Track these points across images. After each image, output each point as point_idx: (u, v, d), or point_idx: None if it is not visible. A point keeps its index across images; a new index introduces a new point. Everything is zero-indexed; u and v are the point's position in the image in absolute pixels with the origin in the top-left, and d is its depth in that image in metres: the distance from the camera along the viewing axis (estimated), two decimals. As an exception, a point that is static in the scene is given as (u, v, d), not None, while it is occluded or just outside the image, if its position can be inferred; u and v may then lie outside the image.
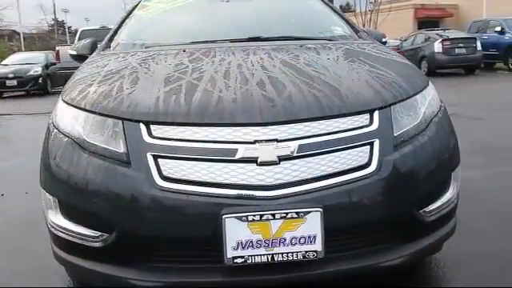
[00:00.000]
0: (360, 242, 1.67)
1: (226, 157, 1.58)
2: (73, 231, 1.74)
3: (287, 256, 1.54)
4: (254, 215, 1.51)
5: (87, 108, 1.79)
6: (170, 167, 1.59)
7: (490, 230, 2.66)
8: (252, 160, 1.57)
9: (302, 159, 1.59)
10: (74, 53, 3.04)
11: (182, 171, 1.58)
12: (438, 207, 1.81)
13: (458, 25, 26.41)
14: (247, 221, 1.51)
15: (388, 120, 1.73)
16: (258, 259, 1.53)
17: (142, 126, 1.65)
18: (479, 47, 14.81)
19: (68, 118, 1.85)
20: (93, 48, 2.99)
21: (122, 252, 1.65)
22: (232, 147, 1.58)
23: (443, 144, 1.87)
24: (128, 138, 1.65)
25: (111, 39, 2.76)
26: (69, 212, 1.75)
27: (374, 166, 1.64)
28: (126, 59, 2.26)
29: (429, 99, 1.95)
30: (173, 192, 1.56)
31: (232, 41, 2.55)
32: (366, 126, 1.69)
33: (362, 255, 1.66)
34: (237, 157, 1.57)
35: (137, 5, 3.16)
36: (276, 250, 1.53)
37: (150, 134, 1.64)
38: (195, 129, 1.62)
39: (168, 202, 1.56)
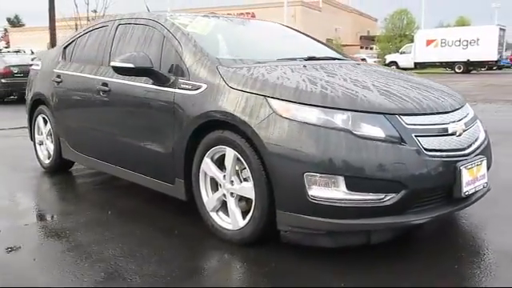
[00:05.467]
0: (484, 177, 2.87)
1: (444, 133, 2.55)
2: (358, 199, 2.34)
3: (478, 187, 2.64)
4: (471, 164, 2.56)
5: (350, 108, 2.42)
6: (426, 142, 2.45)
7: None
8: (453, 133, 2.58)
9: (467, 131, 2.71)
10: (131, 65, 3.03)
11: (431, 144, 2.46)
12: None
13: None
14: (467, 169, 2.54)
15: (471, 108, 3.02)
16: (471, 191, 2.58)
17: (399, 118, 2.43)
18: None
19: (329, 117, 2.40)
20: (151, 61, 3.08)
21: (402, 204, 2.37)
22: (444, 127, 2.56)
23: None
24: (395, 125, 2.40)
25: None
26: (355, 185, 2.33)
27: (483, 134, 2.91)
28: (285, 72, 2.78)
29: None
30: (434, 157, 2.43)
31: (305, 59, 3.31)
32: (470, 113, 2.93)
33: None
34: (449, 132, 2.56)
35: (172, 23, 3.31)
36: (475, 184, 2.62)
37: (404, 122, 2.43)
38: (428, 117, 2.52)
39: (432, 164, 2.42)
